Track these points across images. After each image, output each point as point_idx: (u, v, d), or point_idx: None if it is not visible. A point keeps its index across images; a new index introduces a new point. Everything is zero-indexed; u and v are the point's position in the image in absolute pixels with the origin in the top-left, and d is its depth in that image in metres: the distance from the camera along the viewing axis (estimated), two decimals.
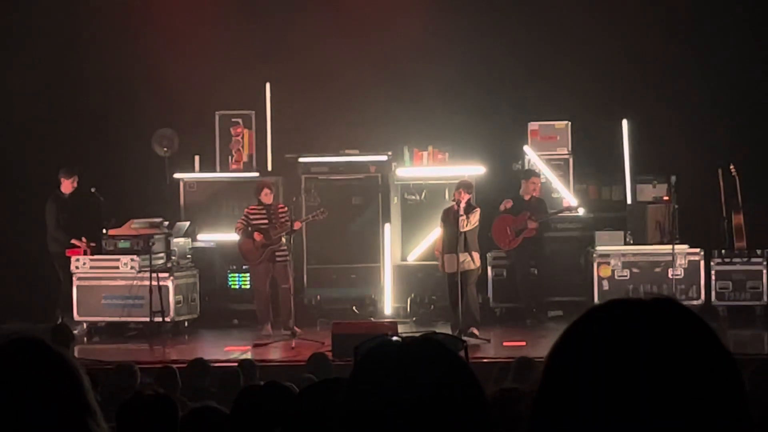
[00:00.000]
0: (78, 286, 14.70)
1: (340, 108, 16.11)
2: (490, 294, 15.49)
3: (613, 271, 15.02)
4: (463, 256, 13.34)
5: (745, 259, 15.01)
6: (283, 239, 14.19)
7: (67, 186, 15.23)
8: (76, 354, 12.41)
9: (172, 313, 14.43)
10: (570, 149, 16.05)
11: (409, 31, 15.99)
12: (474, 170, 15.54)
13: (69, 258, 14.80)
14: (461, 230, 13.34)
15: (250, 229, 14.31)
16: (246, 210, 14.53)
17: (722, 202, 15.26)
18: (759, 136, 15.66)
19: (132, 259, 14.62)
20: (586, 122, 15.92)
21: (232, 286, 15.82)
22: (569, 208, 15.55)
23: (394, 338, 1.95)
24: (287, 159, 16.10)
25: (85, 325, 14.73)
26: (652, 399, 1.47)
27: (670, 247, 14.78)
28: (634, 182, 15.89)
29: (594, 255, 15.06)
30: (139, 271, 14.50)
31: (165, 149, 16.11)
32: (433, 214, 14.87)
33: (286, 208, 14.43)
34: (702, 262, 14.94)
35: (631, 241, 15.22)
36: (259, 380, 7.97)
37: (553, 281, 15.36)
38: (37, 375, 2.09)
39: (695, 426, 1.48)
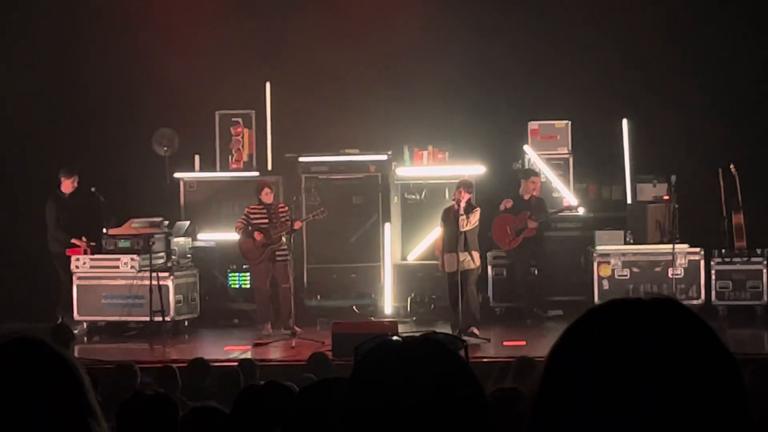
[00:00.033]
0: (78, 286, 14.70)
1: (340, 107, 16.10)
2: (490, 293, 15.49)
3: (613, 270, 15.02)
4: (463, 256, 13.34)
5: (745, 259, 15.01)
6: (284, 239, 14.19)
7: (68, 186, 15.23)
8: (76, 353, 12.42)
9: (172, 312, 14.43)
10: (570, 149, 16.06)
11: (409, 31, 15.99)
12: (474, 170, 15.54)
13: (69, 257, 14.80)
14: (461, 230, 13.34)
15: (250, 228, 14.31)
16: (246, 209, 14.53)
17: (722, 201, 15.26)
18: (759, 136, 15.67)
19: (132, 259, 14.62)
20: (586, 122, 15.92)
21: (232, 286, 15.82)
22: (569, 208, 15.56)
23: (394, 338, 1.95)
24: (287, 158, 16.10)
25: (85, 324, 14.73)
26: (653, 399, 1.47)
27: (670, 246, 14.78)
28: (634, 182, 15.89)
29: (594, 254, 15.06)
30: (139, 271, 14.50)
31: (165, 149, 16.11)
32: (433, 214, 14.87)
33: (286, 208, 14.43)
34: (702, 262, 14.94)
35: (631, 241, 15.22)
36: (259, 380, 7.97)
37: (553, 281, 15.36)
38: (38, 375, 2.09)
39: (695, 426, 1.48)
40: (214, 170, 16.24)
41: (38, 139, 16.22)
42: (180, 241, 15.21)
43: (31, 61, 16.17)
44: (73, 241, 14.93)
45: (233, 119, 16.29)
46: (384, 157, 15.98)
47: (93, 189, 15.26)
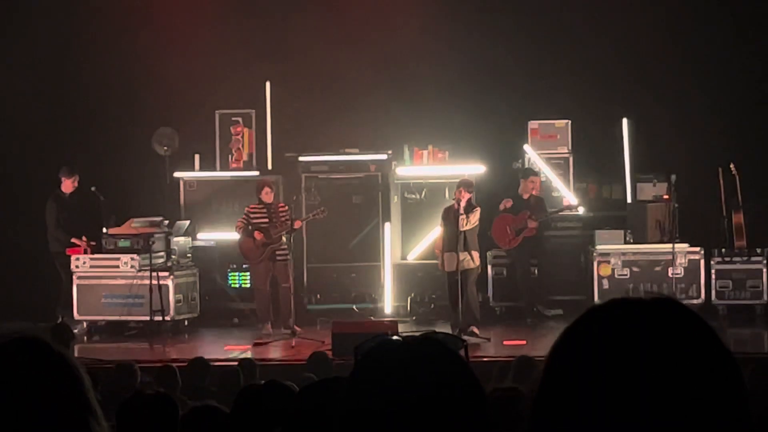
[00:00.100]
0: (78, 285, 14.70)
1: (340, 107, 16.11)
2: (490, 293, 15.49)
3: (613, 269, 15.02)
4: (463, 255, 13.34)
5: (745, 258, 15.01)
6: (284, 238, 14.19)
7: (68, 185, 15.23)
8: (76, 353, 12.42)
9: (172, 312, 14.43)
10: (570, 148, 16.06)
11: (409, 30, 15.99)
12: (474, 169, 15.54)
13: (69, 257, 14.81)
14: (461, 229, 13.34)
15: (250, 227, 14.31)
16: (246, 209, 14.53)
17: (722, 200, 15.26)
18: (759, 135, 15.67)
19: (132, 258, 14.62)
20: (586, 121, 15.93)
21: (232, 285, 15.82)
22: (569, 207, 15.56)
23: (394, 337, 1.95)
24: (287, 158, 16.10)
25: (85, 324, 14.73)
26: (653, 398, 1.47)
27: (670, 246, 14.79)
28: (634, 181, 15.89)
29: (594, 254, 15.06)
30: (139, 270, 14.50)
31: (165, 148, 16.11)
32: (433, 213, 14.87)
33: (286, 207, 14.43)
34: (702, 261, 14.94)
35: (631, 240, 15.22)
36: (259, 379, 7.97)
37: (553, 280, 15.36)
38: (38, 374, 2.09)
39: (695, 425, 1.48)
40: (214, 170, 16.24)
41: (38, 139, 16.22)
42: (180, 241, 15.21)
43: (31, 61, 16.17)
44: (73, 240, 14.93)
45: (233, 119, 16.29)
46: (384, 157, 15.98)
47: (93, 188, 15.26)
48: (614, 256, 15.04)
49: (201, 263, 15.46)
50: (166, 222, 15.20)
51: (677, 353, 1.50)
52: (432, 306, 15.28)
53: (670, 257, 14.77)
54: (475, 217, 13.50)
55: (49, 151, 15.99)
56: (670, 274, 14.82)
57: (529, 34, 16.23)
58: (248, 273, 15.30)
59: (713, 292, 14.95)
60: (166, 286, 14.35)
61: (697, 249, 14.96)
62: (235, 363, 10.18)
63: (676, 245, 14.76)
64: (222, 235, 15.66)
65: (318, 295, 15.81)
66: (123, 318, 14.61)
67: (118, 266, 14.68)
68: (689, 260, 14.94)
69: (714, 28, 15.84)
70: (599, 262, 15.03)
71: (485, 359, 11.59)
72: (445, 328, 12.90)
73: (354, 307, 15.43)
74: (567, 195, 15.84)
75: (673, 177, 14.91)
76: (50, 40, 16.35)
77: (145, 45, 16.35)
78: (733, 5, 15.94)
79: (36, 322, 13.99)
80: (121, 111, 16.43)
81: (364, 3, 16.58)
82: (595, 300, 13.68)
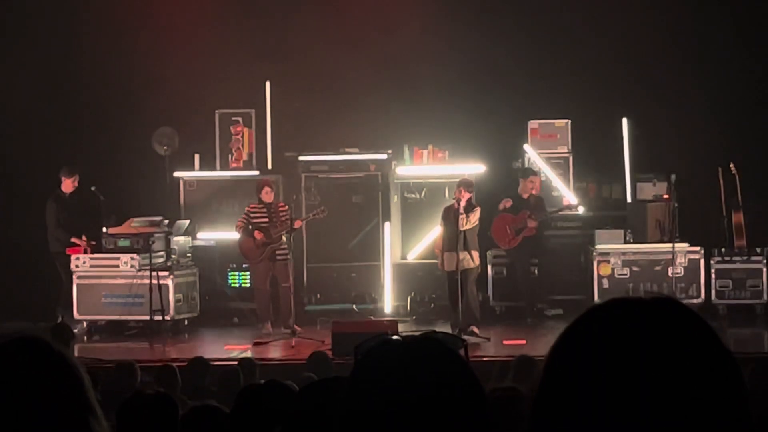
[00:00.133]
0: (78, 285, 14.70)
1: (340, 106, 16.11)
2: (490, 292, 15.49)
3: (613, 269, 15.02)
4: (463, 255, 13.33)
5: (745, 258, 15.02)
6: (284, 238, 14.18)
7: (68, 185, 15.22)
8: (76, 353, 12.41)
9: (172, 311, 14.43)
10: (570, 148, 16.07)
11: (409, 30, 15.99)
12: (474, 169, 15.54)
13: (69, 257, 14.81)
14: (461, 229, 13.34)
15: (250, 227, 14.30)
16: (246, 208, 14.53)
17: (722, 200, 15.26)
18: (759, 135, 15.67)
19: (132, 258, 14.62)
20: (586, 121, 15.93)
21: (232, 285, 15.82)
22: (569, 207, 15.56)
23: (394, 337, 1.95)
24: (287, 157, 16.10)
25: (85, 323, 14.73)
26: (653, 398, 1.47)
27: (670, 245, 14.79)
28: (634, 180, 15.90)
29: (594, 253, 15.07)
30: (139, 270, 14.50)
31: (165, 148, 16.11)
32: (433, 213, 14.87)
33: (286, 207, 14.43)
34: (702, 261, 14.94)
35: (631, 240, 15.22)
36: (259, 379, 7.97)
37: (553, 280, 15.37)
38: (38, 374, 2.09)
39: (695, 425, 1.48)
40: (214, 169, 16.24)
41: (38, 139, 16.22)
42: (180, 240, 15.22)
43: (31, 61, 16.17)
44: (73, 240, 14.93)
45: (233, 118, 16.29)
46: (384, 156, 15.98)
47: (93, 188, 15.26)
48: (614, 256, 15.04)
49: (201, 263, 15.47)
50: (166, 222, 15.20)
51: (677, 353, 1.50)
52: (432, 305, 15.28)
53: (670, 257, 14.78)
54: (475, 216, 13.50)
55: (49, 151, 15.99)
56: (670, 274, 14.82)
57: (529, 34, 16.24)
58: (248, 273, 15.30)
59: (713, 292, 14.96)
60: (166, 285, 14.35)
61: (697, 248, 14.96)
62: (235, 363, 10.17)
63: (676, 245, 14.77)
64: (222, 234, 15.66)
65: (318, 295, 15.82)
66: (123, 318, 14.61)
67: (118, 266, 14.68)
68: (689, 260, 14.94)
69: (714, 28, 15.85)
70: (599, 262, 15.03)
71: (485, 359, 11.58)
72: (445, 328, 12.90)
73: (354, 306, 15.42)
74: (567, 194, 15.84)
75: (673, 176, 14.91)
76: (50, 40, 16.36)
77: (145, 45, 16.36)
78: (733, 5, 15.94)
79: (36, 321, 14.00)
80: (121, 111, 16.44)
81: (364, 3, 16.58)
82: (595, 299, 13.70)
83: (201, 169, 16.22)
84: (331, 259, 15.82)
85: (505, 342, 13.40)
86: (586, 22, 15.94)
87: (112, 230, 14.97)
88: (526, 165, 15.87)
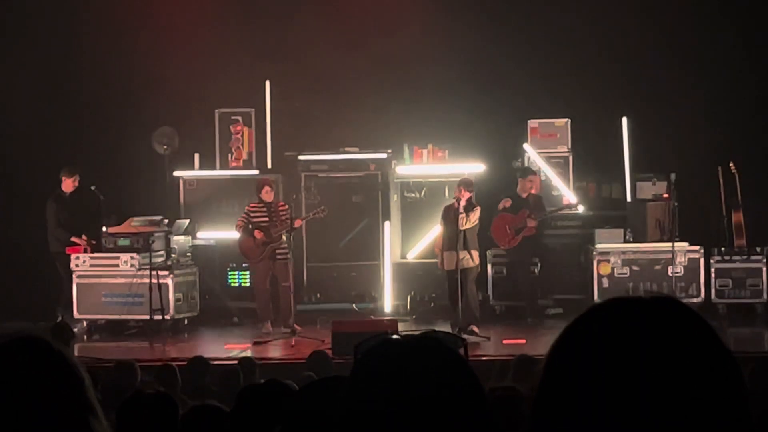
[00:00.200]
0: (78, 284, 14.70)
1: (339, 106, 16.11)
2: (490, 292, 15.49)
3: (612, 268, 15.02)
4: (462, 254, 13.33)
5: (744, 257, 15.02)
6: (284, 237, 14.18)
7: (68, 185, 15.22)
8: (76, 352, 12.42)
9: (171, 310, 14.43)
10: (570, 147, 16.06)
11: (409, 29, 15.99)
12: (474, 168, 15.55)
13: (70, 256, 14.81)
14: (461, 228, 13.34)
15: (250, 226, 14.30)
16: (247, 208, 14.53)
17: (722, 199, 15.26)
18: (759, 134, 15.67)
19: (132, 257, 14.62)
20: (586, 120, 15.93)
21: (232, 284, 15.82)
22: (569, 206, 15.56)
23: (394, 336, 1.95)
24: (287, 157, 16.10)
25: (85, 323, 14.73)
26: (653, 398, 1.47)
27: (669, 244, 14.78)
28: (633, 180, 15.89)
29: (594, 253, 15.06)
30: (139, 269, 14.50)
31: (165, 147, 16.11)
32: (433, 212, 14.88)
33: (286, 206, 14.43)
34: (702, 260, 14.94)
35: (631, 239, 15.22)
36: (259, 378, 7.97)
37: (553, 279, 15.36)
38: (38, 373, 2.09)
39: (695, 425, 1.48)
40: (214, 168, 16.24)
41: (38, 139, 16.22)
42: (180, 240, 15.22)
43: (31, 61, 16.16)
44: (73, 239, 14.93)
45: (233, 117, 16.29)
46: (384, 156, 15.98)
47: (93, 187, 15.25)
48: (614, 255, 15.04)
49: (201, 262, 15.47)
50: (166, 221, 15.20)
51: (677, 352, 1.50)
52: (432, 305, 15.29)
53: (670, 256, 14.77)
54: (475, 216, 13.51)
55: (48, 150, 15.99)
56: (669, 273, 14.82)
57: (529, 34, 16.23)
58: (248, 272, 15.30)
59: (713, 291, 14.95)
60: (166, 285, 14.35)
61: (697, 248, 14.96)
62: (235, 362, 10.17)
63: (676, 244, 14.76)
64: (222, 234, 15.66)
65: (318, 294, 15.81)
66: (123, 317, 14.61)
67: (117, 265, 14.68)
68: (689, 259, 14.94)
69: (714, 27, 15.84)
70: (599, 261, 15.03)
71: (485, 358, 11.59)
72: (444, 327, 12.90)
73: (354, 306, 15.42)
74: (567, 194, 15.84)
75: (673, 176, 14.91)
76: (50, 40, 16.36)
77: (145, 44, 16.36)
78: (733, 5, 15.93)
79: (36, 321, 13.99)
80: (121, 110, 16.43)
81: (364, 3, 16.59)
82: (595, 299, 13.70)
83: (201, 168, 16.22)
84: (331, 258, 15.82)
85: (504, 341, 13.40)
86: (586, 22, 15.93)
87: (112, 230, 14.97)
88: (526, 164, 15.87)
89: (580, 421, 1.50)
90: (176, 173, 16.15)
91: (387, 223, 15.79)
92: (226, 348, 13.20)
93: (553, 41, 16.14)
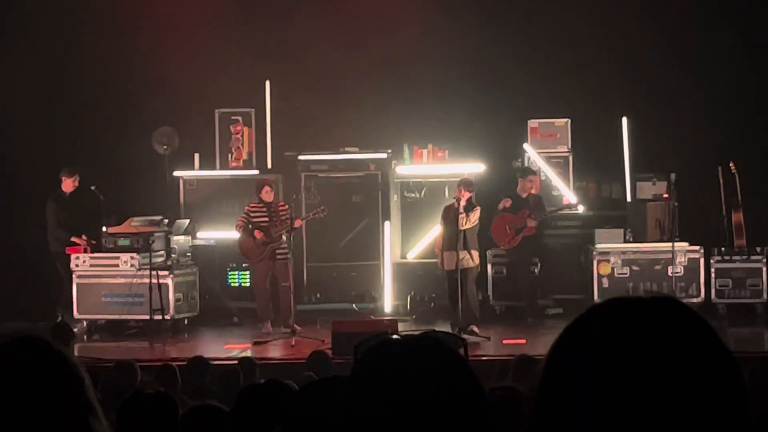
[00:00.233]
0: (78, 284, 14.70)
1: (339, 106, 16.11)
2: (490, 292, 15.49)
3: (612, 268, 15.02)
4: (462, 254, 13.33)
5: (744, 257, 15.02)
6: (284, 237, 14.18)
7: (69, 185, 15.22)
8: (76, 352, 12.42)
9: (171, 310, 14.43)
10: (570, 147, 16.06)
11: (409, 29, 15.99)
12: (474, 168, 15.54)
13: (70, 256, 14.80)
14: (461, 228, 13.34)
15: (250, 226, 14.30)
16: (247, 208, 14.53)
17: (722, 199, 15.26)
18: (759, 134, 15.67)
19: (132, 257, 14.62)
20: (586, 120, 15.93)
21: (232, 284, 15.82)
22: (569, 206, 15.55)
23: (394, 336, 1.95)
24: (287, 157, 16.10)
25: (85, 323, 14.73)
26: (653, 398, 1.47)
27: (669, 244, 14.78)
28: (633, 180, 15.89)
29: (594, 253, 15.06)
30: (139, 269, 14.50)
31: (165, 147, 16.11)
32: (433, 212, 14.87)
33: (286, 206, 14.43)
34: (702, 260, 14.94)
35: (631, 239, 15.22)
36: (259, 378, 7.97)
37: (553, 279, 15.36)
38: (38, 373, 2.09)
39: (695, 425, 1.48)
40: (214, 168, 16.24)
41: (38, 138, 16.22)
42: (180, 240, 15.22)
43: (31, 61, 16.16)
44: (73, 239, 14.93)
45: (233, 117, 16.29)
46: (384, 156, 15.98)
47: (93, 187, 15.25)
48: (614, 255, 15.04)
49: (201, 262, 15.47)
50: (166, 221, 15.20)
51: (677, 352, 1.50)
52: (432, 305, 15.29)
53: (670, 256, 14.77)
54: (475, 216, 13.50)
55: (48, 150, 15.99)
56: (669, 273, 14.82)
57: (529, 34, 16.23)
58: (248, 272, 15.30)
59: (713, 291, 14.95)
60: (166, 284, 14.35)
61: (697, 248, 14.96)
62: (235, 362, 10.17)
63: (676, 244, 14.76)
64: (222, 234, 15.66)
65: (318, 294, 15.81)
66: (123, 317, 14.61)
67: (117, 265, 14.68)
68: (689, 259, 14.94)
69: (714, 26, 15.84)
70: (599, 261, 15.03)
71: (485, 358, 11.59)
72: (444, 327, 12.90)
73: (354, 306, 15.42)
74: (567, 194, 15.84)
75: (673, 176, 14.91)
76: (50, 39, 16.35)
77: (145, 44, 16.36)
78: (733, 5, 15.93)
79: (36, 321, 13.98)
80: (121, 110, 16.44)
81: (364, 3, 16.58)
82: (595, 299, 13.70)
83: (201, 168, 16.22)
84: (331, 258, 15.82)
85: (504, 341, 13.40)
86: (586, 22, 15.93)
87: (112, 230, 14.97)
88: (526, 164, 15.87)
89: (580, 421, 1.50)
90: (176, 173, 16.15)
91: (387, 223, 15.79)
92: (226, 348, 13.20)
93: (553, 41, 16.14)
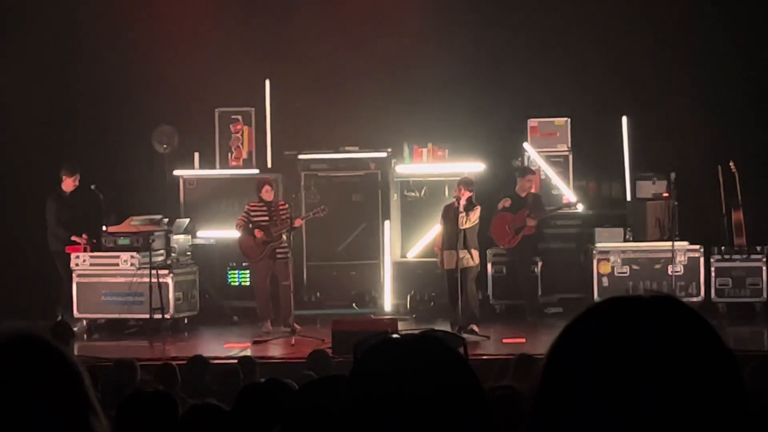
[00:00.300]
0: (78, 283, 14.70)
1: (339, 105, 16.11)
2: (489, 291, 15.48)
3: (612, 267, 15.02)
4: (462, 253, 13.33)
5: (744, 256, 15.01)
6: (284, 236, 14.19)
7: (69, 184, 15.21)
8: (76, 351, 12.42)
9: (171, 310, 14.43)
10: (570, 146, 16.06)
11: (409, 28, 15.99)
12: (473, 167, 15.54)
13: (70, 255, 14.81)
14: (460, 227, 13.34)
15: (250, 226, 14.30)
16: (247, 207, 14.53)
17: (722, 198, 15.25)
18: (759, 133, 15.66)
19: (132, 256, 14.62)
20: (585, 119, 15.92)
21: (232, 283, 15.83)
22: (569, 205, 15.55)
23: (394, 335, 1.95)
24: (287, 156, 16.10)
25: (84, 322, 14.73)
26: (652, 397, 1.47)
27: (669, 243, 14.79)
28: (633, 179, 15.89)
29: (594, 252, 15.06)
30: (139, 268, 14.50)
31: (165, 146, 16.11)
32: (433, 211, 14.87)
33: (286, 206, 14.43)
34: (702, 259, 14.94)
35: (631, 238, 15.22)
36: (258, 377, 7.97)
37: (553, 278, 15.36)
38: (38, 372, 2.09)
39: (695, 424, 1.48)
40: (214, 168, 16.24)
41: (39, 138, 16.21)
42: (180, 239, 15.21)
43: (31, 61, 16.16)
44: (73, 238, 14.93)
45: (233, 117, 16.29)
46: (384, 155, 15.98)
47: (93, 186, 15.26)
48: (614, 254, 15.04)
49: (201, 261, 15.47)
50: (166, 220, 15.20)
51: (677, 351, 1.50)
52: (432, 304, 15.29)
53: (670, 255, 14.77)
54: (475, 215, 13.50)
55: (48, 149, 15.99)
56: (669, 272, 14.82)
57: (529, 34, 16.23)
58: (248, 271, 15.30)
59: (713, 290, 14.95)
60: (166, 284, 14.35)
61: (697, 247, 14.96)
62: (235, 361, 10.17)
63: (676, 243, 14.76)
64: (222, 233, 15.66)
65: (318, 293, 15.81)
66: (123, 316, 14.61)
67: (117, 264, 14.68)
68: (689, 258, 14.94)
69: (714, 27, 15.83)
70: (599, 260, 15.03)
71: (485, 357, 11.59)
72: (444, 326, 12.91)
73: (354, 305, 15.42)
74: (566, 193, 15.84)
75: (673, 175, 14.91)
76: (50, 39, 16.35)
77: (145, 44, 16.36)
78: (732, 5, 15.93)
79: (36, 320, 13.97)
80: (121, 109, 16.44)
81: (364, 2, 16.57)
82: (595, 298, 13.71)
83: (201, 167, 16.22)
84: (331, 257, 15.81)
85: (504, 340, 13.40)
86: (585, 21, 15.93)
87: (111, 229, 14.97)
88: (526, 163, 15.86)
89: (580, 420, 1.50)
90: (176, 172, 16.15)
91: (387, 223, 15.79)
92: (226, 347, 13.20)
93: (553, 41, 16.13)
